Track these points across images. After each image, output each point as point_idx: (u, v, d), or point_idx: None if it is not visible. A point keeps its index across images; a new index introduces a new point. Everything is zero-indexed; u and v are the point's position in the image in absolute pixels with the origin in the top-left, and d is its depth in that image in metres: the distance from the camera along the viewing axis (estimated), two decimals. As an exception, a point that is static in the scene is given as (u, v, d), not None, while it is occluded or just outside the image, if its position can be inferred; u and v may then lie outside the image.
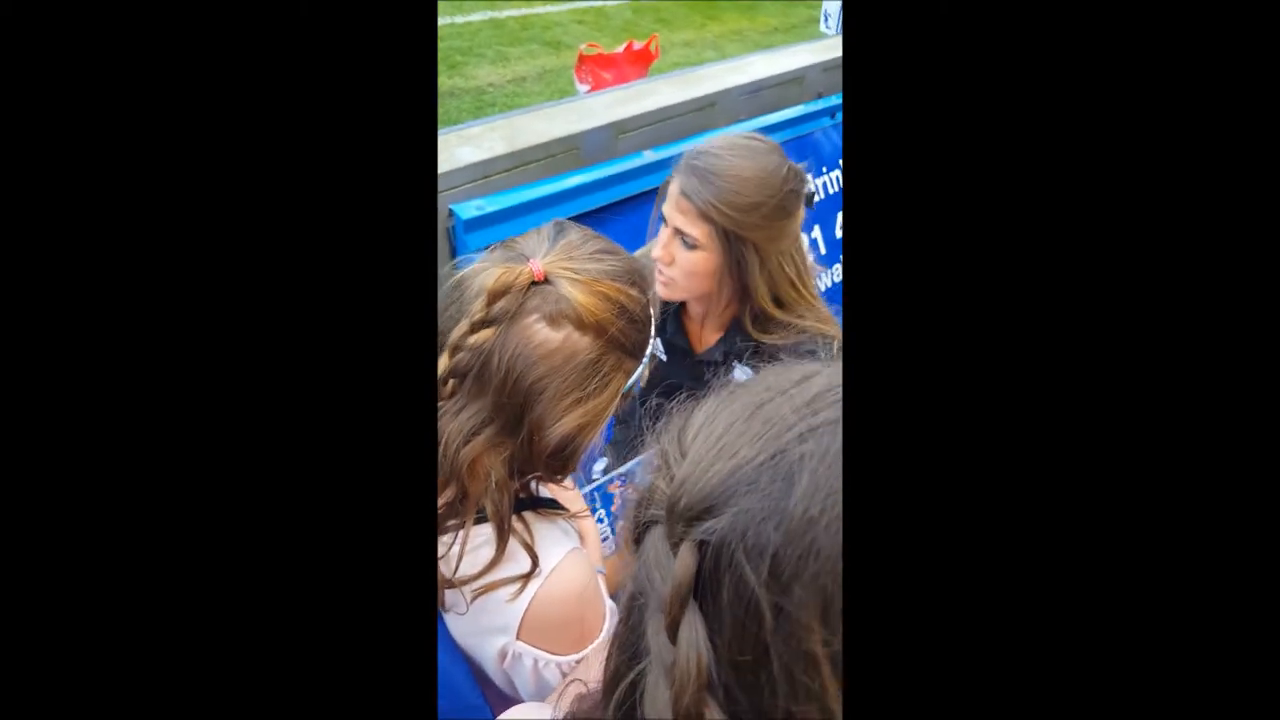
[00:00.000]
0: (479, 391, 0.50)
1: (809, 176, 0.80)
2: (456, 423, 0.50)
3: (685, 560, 0.25)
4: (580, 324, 0.50)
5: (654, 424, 0.32)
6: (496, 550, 0.51)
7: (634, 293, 0.53)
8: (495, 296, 0.48)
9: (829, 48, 2.20)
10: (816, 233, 1.86)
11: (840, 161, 1.93)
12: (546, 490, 0.60)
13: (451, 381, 0.49)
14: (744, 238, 0.74)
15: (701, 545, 0.25)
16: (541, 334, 0.49)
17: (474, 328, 0.48)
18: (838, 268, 1.91)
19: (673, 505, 0.27)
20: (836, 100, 1.99)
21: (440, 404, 0.50)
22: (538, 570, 0.53)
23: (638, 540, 0.29)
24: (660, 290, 0.81)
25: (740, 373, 0.88)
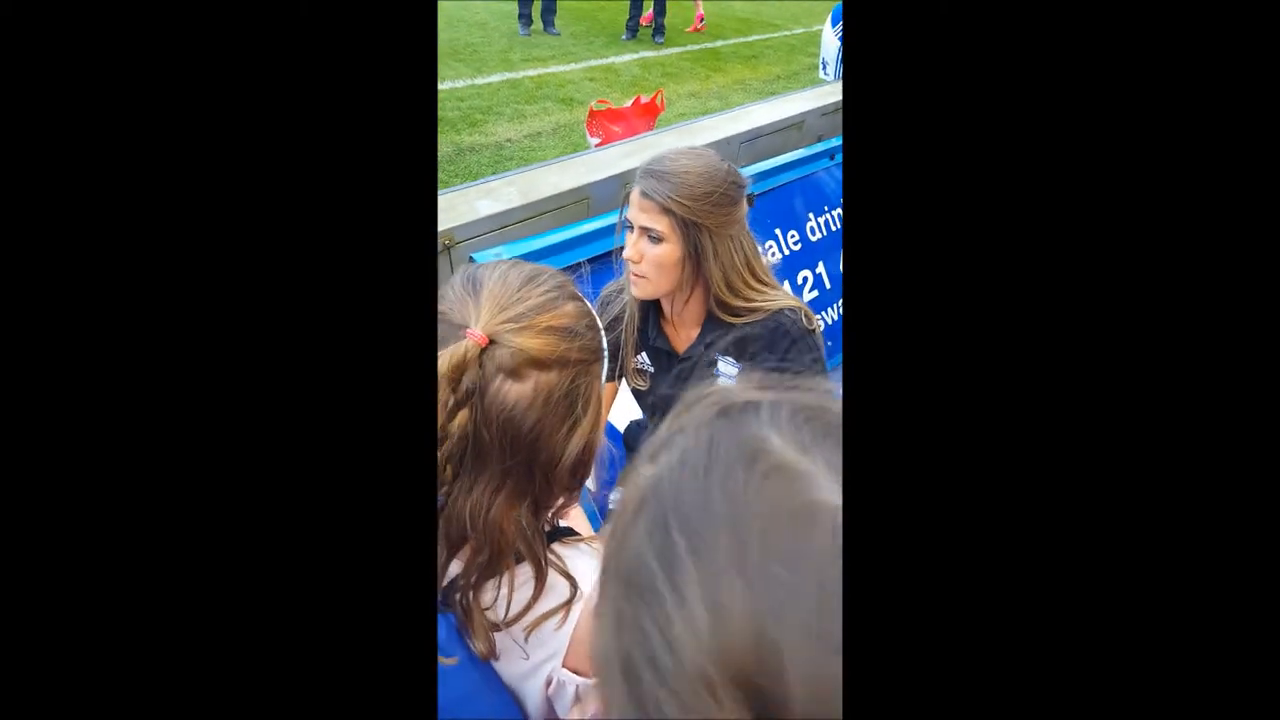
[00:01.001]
0: (482, 464, 0.51)
1: (745, 177, 0.92)
2: (473, 498, 0.51)
3: None
4: (542, 365, 0.51)
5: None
6: (536, 586, 0.53)
7: (570, 306, 0.55)
8: (454, 379, 0.48)
9: (826, 94, 2.31)
10: (821, 267, 1.93)
11: (842, 200, 2.01)
12: (563, 520, 0.63)
13: (449, 467, 0.50)
14: (699, 224, 0.85)
15: None
16: (514, 392, 0.50)
17: (450, 414, 0.49)
18: (842, 301, 1.97)
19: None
20: (835, 143, 2.08)
21: (444, 489, 0.51)
22: (579, 593, 0.54)
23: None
24: (634, 290, 0.92)
25: (724, 364, 0.94)
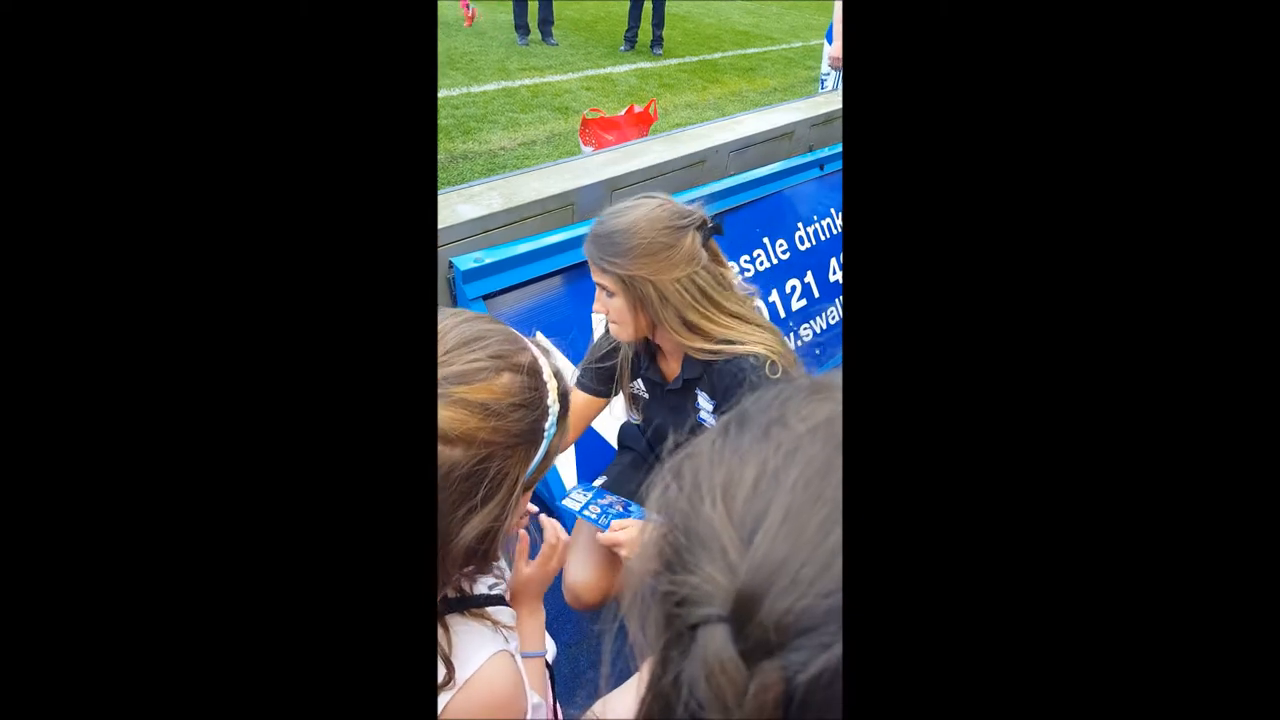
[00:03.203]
0: None
1: (700, 211, 0.90)
2: None
3: (771, 694, 0.19)
4: (444, 439, 0.47)
5: (658, 473, 0.27)
6: None
7: (504, 380, 0.50)
8: None
9: (817, 104, 2.31)
10: (809, 277, 1.92)
11: (831, 210, 2.00)
12: (495, 586, 0.60)
13: None
14: (635, 277, 0.87)
15: (789, 682, 0.19)
16: None
17: None
18: (831, 309, 1.96)
19: (744, 611, 0.21)
20: (825, 153, 2.08)
21: None
22: (452, 681, 0.51)
23: (668, 647, 0.23)
24: (614, 334, 0.96)
25: (703, 399, 0.95)
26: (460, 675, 0.51)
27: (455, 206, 1.32)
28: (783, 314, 1.83)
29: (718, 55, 5.42)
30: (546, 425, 0.53)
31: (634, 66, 4.75)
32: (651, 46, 5.09)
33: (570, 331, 1.39)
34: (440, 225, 1.26)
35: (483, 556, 0.52)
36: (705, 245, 0.89)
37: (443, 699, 0.51)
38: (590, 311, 1.44)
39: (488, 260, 1.29)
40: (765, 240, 1.83)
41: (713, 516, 0.23)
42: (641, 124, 2.73)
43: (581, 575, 1.06)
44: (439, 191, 1.38)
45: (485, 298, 1.30)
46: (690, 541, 0.23)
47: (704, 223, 0.89)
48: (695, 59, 5.19)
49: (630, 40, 5.05)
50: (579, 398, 1.07)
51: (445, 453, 0.48)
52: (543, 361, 0.54)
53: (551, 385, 0.54)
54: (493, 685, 0.53)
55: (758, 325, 0.91)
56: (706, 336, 0.89)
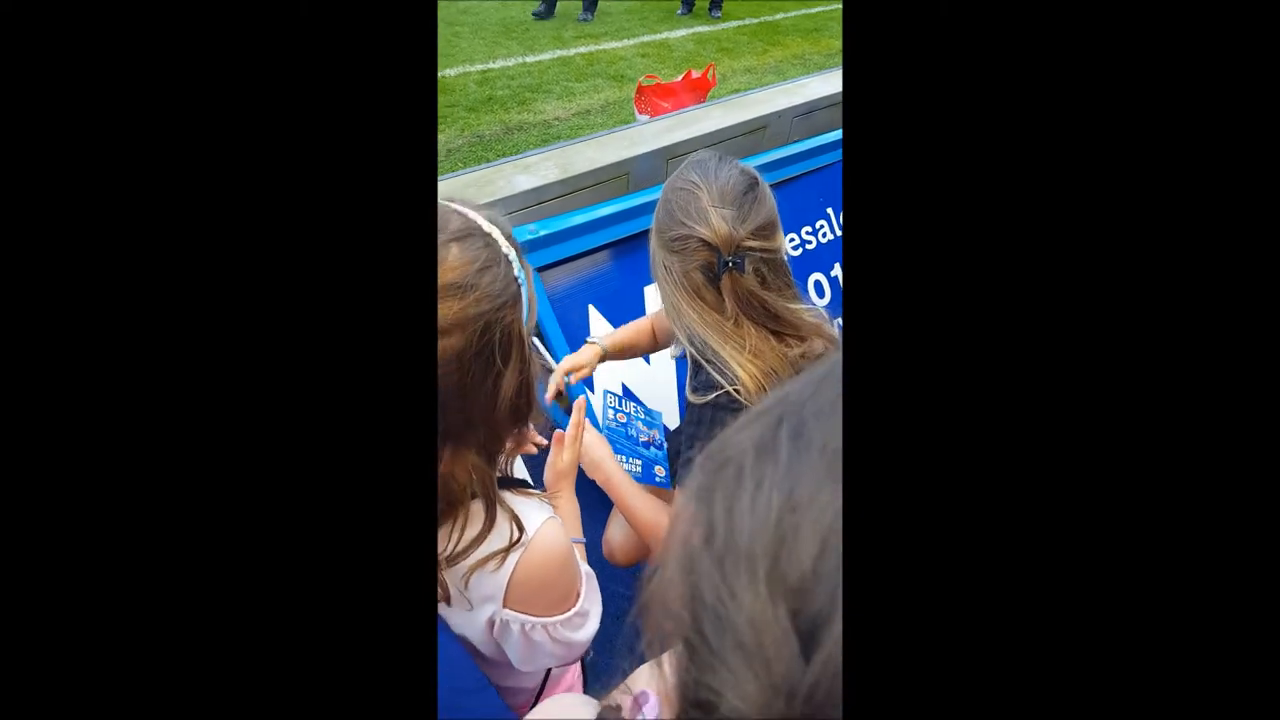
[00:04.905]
0: None
1: (719, 241, 0.76)
2: None
3: None
4: (441, 334, 0.47)
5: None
6: (485, 522, 0.53)
7: (454, 253, 0.48)
8: None
9: (889, 66, 2.17)
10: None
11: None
12: (520, 469, 0.65)
13: None
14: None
15: None
16: None
17: None
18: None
19: None
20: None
21: None
22: (522, 537, 0.54)
23: None
24: None
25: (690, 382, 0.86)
26: (525, 536, 0.55)
27: (511, 177, 1.31)
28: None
29: (779, 16, 5.17)
30: (516, 274, 0.52)
31: (691, 31, 4.59)
32: (710, 9, 4.91)
33: (621, 306, 1.37)
34: (496, 196, 1.26)
35: (527, 407, 0.55)
36: (716, 279, 0.75)
37: (512, 557, 0.54)
38: (643, 285, 1.41)
39: (543, 233, 1.28)
40: (829, 211, 1.74)
41: (753, 603, 0.16)
42: (699, 90, 2.64)
43: (619, 534, 1.05)
44: (495, 163, 1.37)
45: (540, 269, 1.29)
46: (720, 629, 0.16)
47: (720, 252, 0.73)
48: (755, 20, 4.98)
49: (688, 3, 4.88)
50: None
51: (448, 344, 0.48)
52: (473, 215, 0.51)
53: (496, 234, 0.51)
54: (551, 544, 0.57)
55: (748, 351, 0.76)
56: (679, 323, 0.79)
